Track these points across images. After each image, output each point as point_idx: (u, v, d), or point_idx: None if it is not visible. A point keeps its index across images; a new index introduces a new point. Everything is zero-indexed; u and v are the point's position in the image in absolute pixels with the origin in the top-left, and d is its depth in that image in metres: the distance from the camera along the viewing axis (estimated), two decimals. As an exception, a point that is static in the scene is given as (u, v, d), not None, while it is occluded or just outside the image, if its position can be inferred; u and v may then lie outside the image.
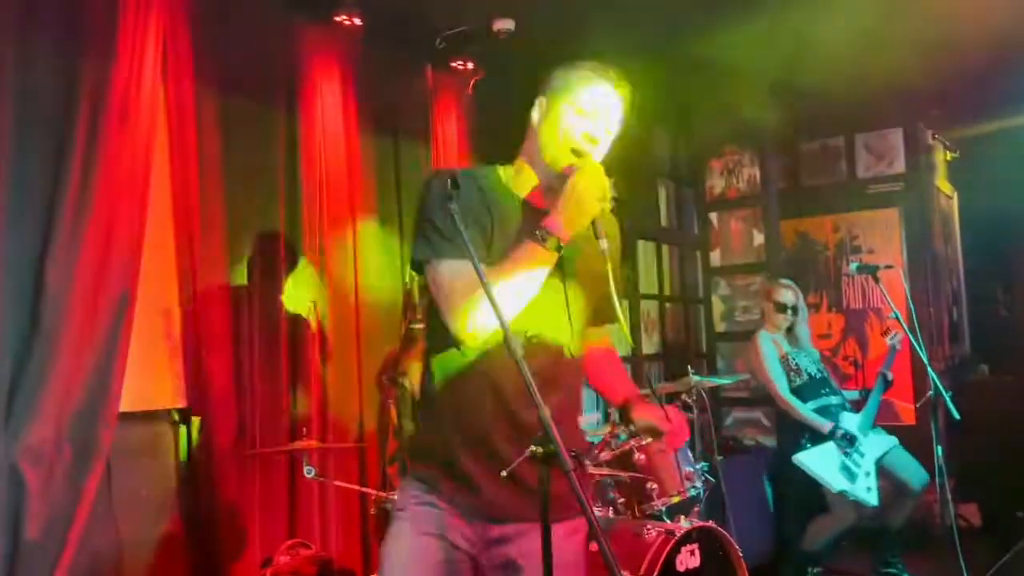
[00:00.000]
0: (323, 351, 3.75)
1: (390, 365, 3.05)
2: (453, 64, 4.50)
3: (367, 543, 3.84)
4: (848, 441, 4.23)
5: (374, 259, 4.07)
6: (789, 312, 4.53)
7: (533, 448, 1.55)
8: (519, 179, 1.87)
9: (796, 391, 4.41)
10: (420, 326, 3.41)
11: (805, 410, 4.33)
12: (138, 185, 3.03)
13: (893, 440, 4.46)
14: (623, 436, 3.47)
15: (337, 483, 3.39)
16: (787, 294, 4.56)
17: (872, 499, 4.18)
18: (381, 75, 4.20)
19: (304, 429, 3.30)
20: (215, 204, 3.37)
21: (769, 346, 4.50)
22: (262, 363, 3.49)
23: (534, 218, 1.75)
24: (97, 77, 2.93)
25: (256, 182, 3.57)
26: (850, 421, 4.31)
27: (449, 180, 1.68)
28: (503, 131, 4.73)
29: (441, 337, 1.76)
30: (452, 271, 1.69)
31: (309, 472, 3.06)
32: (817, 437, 4.27)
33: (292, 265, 3.67)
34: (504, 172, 1.90)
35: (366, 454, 3.88)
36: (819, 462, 4.19)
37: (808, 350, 4.59)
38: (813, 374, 4.44)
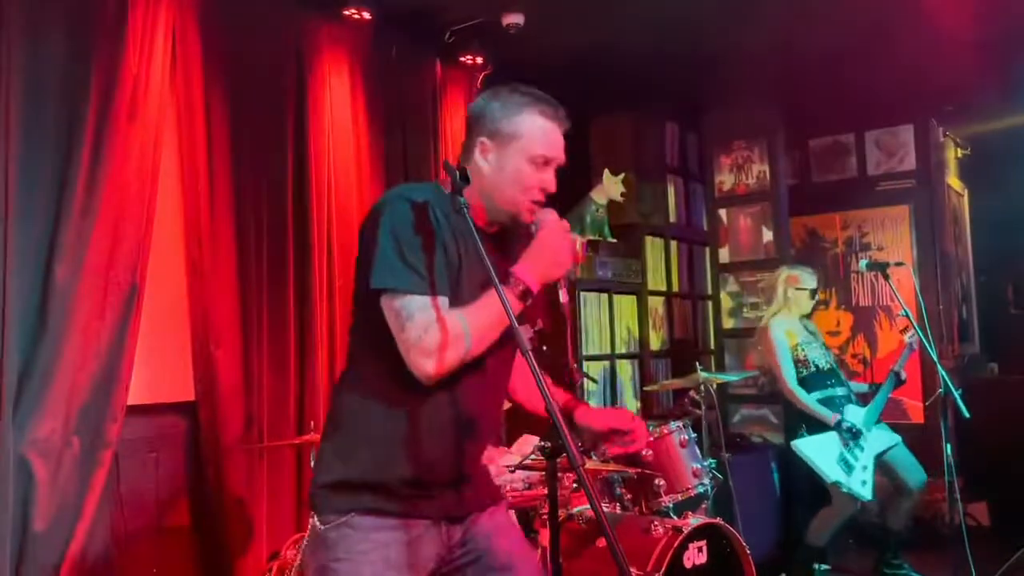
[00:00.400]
0: (330, 345, 3.75)
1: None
2: (462, 59, 4.50)
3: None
4: (852, 434, 4.22)
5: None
6: (816, 295, 4.53)
7: (541, 443, 1.54)
8: (472, 207, 1.76)
9: (802, 382, 4.38)
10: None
11: (810, 401, 4.30)
12: (147, 180, 3.04)
13: (896, 438, 4.44)
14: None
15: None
16: (812, 279, 4.56)
17: (866, 493, 4.16)
18: (389, 70, 4.19)
19: (312, 423, 3.30)
20: (224, 198, 3.37)
21: (782, 335, 4.47)
22: (270, 357, 3.50)
23: (488, 244, 1.72)
24: (106, 73, 2.95)
25: (265, 176, 3.57)
26: (855, 414, 4.29)
27: (419, 208, 1.67)
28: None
29: (385, 364, 1.67)
30: (422, 308, 1.62)
31: (316, 466, 3.05)
32: (816, 426, 4.26)
33: (301, 259, 3.66)
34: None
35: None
36: (817, 451, 4.18)
37: (819, 340, 4.55)
38: (821, 366, 4.41)
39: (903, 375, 4.43)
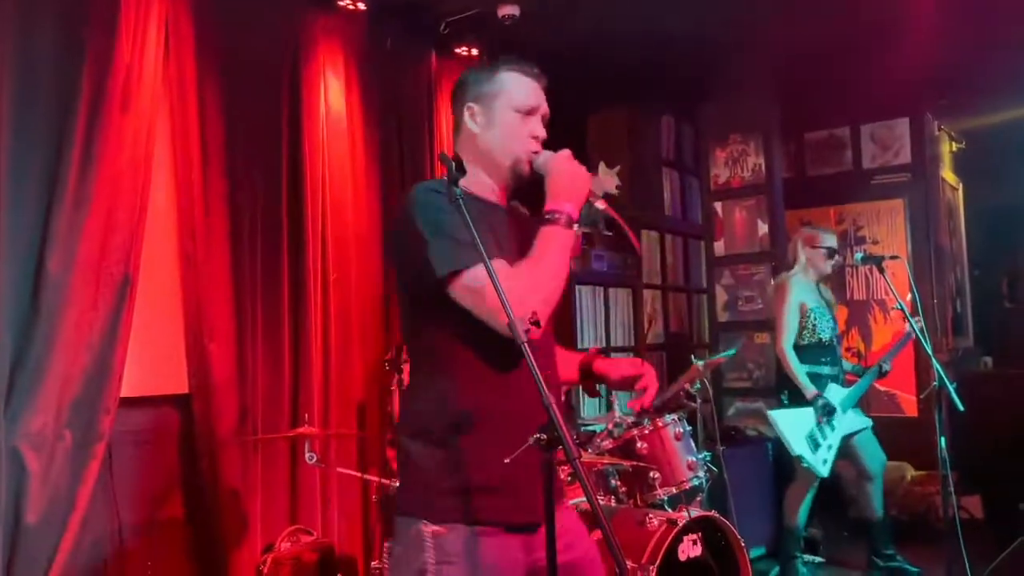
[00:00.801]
0: (325, 337, 3.74)
1: (394, 351, 3.04)
2: (457, 50, 4.48)
3: (368, 530, 3.84)
4: (827, 413, 4.24)
5: (376, 245, 4.06)
6: (837, 256, 4.49)
7: (538, 435, 1.53)
8: (478, 185, 1.85)
9: (801, 349, 4.37)
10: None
11: (798, 369, 4.29)
12: (139, 170, 3.02)
13: (867, 422, 4.44)
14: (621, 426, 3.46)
15: (339, 469, 3.38)
16: (830, 237, 4.52)
17: (824, 471, 4.20)
18: (385, 61, 4.17)
19: (306, 415, 3.29)
20: (218, 189, 3.35)
21: (796, 295, 4.41)
22: (264, 350, 3.49)
23: (509, 218, 1.85)
24: (98, 63, 2.92)
25: (259, 167, 3.55)
26: (836, 394, 4.30)
27: (447, 191, 1.68)
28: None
29: (464, 347, 1.69)
30: (497, 270, 1.63)
31: (310, 458, 3.05)
32: (797, 396, 4.27)
33: (295, 251, 3.65)
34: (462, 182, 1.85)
35: (368, 441, 3.87)
36: (790, 423, 4.20)
37: (831, 312, 4.50)
38: (824, 339, 4.39)
39: (886, 367, 4.43)
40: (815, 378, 4.31)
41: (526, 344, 1.53)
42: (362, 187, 4.01)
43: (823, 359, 4.38)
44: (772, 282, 4.53)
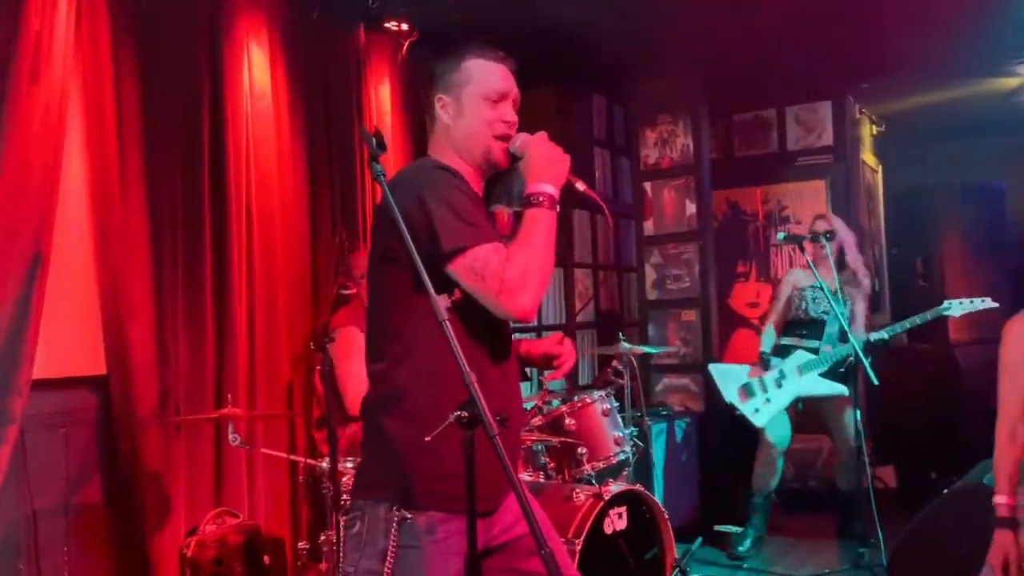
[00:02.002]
0: (250, 315, 3.67)
1: (320, 331, 3.00)
2: (387, 25, 4.42)
3: (296, 511, 3.81)
4: (764, 365, 4.45)
5: (303, 221, 3.99)
6: (823, 238, 4.51)
7: (459, 412, 1.53)
8: (460, 170, 1.84)
9: (788, 322, 4.65)
10: (352, 291, 3.36)
11: (765, 335, 4.64)
12: (51, 143, 2.90)
13: (839, 388, 4.47)
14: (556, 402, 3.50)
15: (264, 451, 3.34)
16: (819, 223, 4.66)
17: (757, 420, 4.43)
18: (311, 34, 4.08)
19: (229, 396, 3.22)
20: (135, 163, 3.24)
21: (791, 280, 4.73)
22: (186, 329, 3.40)
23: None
24: (5, 29, 2.78)
25: (179, 141, 3.44)
26: (798, 357, 4.50)
27: (452, 171, 1.76)
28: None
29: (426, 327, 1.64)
30: (496, 252, 1.68)
31: (234, 440, 3.00)
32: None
33: (218, 227, 3.56)
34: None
35: (295, 421, 3.83)
36: (724, 373, 4.55)
37: (821, 293, 4.50)
38: (812, 315, 4.59)
39: (872, 337, 4.45)
40: (785, 348, 4.51)
41: (446, 323, 1.53)
42: (288, 163, 3.93)
43: (800, 331, 4.61)
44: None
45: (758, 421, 4.42)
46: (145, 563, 3.17)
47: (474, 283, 1.67)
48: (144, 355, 3.21)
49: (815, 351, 4.52)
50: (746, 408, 4.38)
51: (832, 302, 4.28)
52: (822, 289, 4.50)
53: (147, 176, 3.29)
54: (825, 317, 4.57)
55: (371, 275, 1.85)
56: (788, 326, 4.63)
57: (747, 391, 4.44)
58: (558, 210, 1.78)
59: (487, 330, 1.77)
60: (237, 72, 3.68)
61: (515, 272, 1.66)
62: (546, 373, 2.25)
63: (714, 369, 4.63)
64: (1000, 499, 2.24)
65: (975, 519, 3.36)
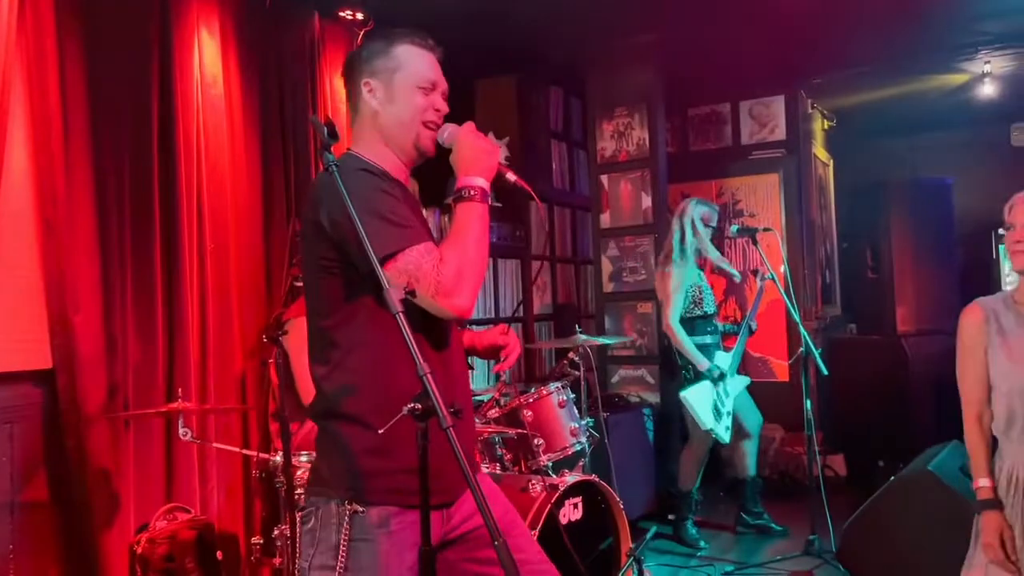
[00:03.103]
0: (203, 309, 3.60)
1: (273, 324, 2.96)
2: (341, 13, 4.36)
3: (250, 505, 3.76)
4: (717, 380, 4.44)
5: (256, 211, 3.93)
6: (712, 229, 4.62)
7: (412, 405, 1.52)
8: (387, 162, 1.82)
9: (689, 322, 4.52)
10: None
11: (688, 343, 4.46)
12: (-9, 130, 2.81)
13: (747, 380, 4.68)
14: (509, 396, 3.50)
15: (216, 445, 3.29)
16: (717, 216, 4.69)
17: (727, 437, 4.44)
18: (264, 21, 4.02)
19: (179, 390, 3.17)
20: (80, 151, 3.16)
21: (692, 270, 4.57)
22: (135, 321, 3.33)
23: (409, 196, 1.83)
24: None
25: (127, 129, 3.36)
26: (723, 360, 4.51)
27: (381, 174, 1.73)
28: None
29: (384, 329, 1.63)
30: (429, 254, 1.64)
31: (185, 434, 2.95)
32: (696, 372, 4.45)
33: (168, 219, 3.49)
34: (367, 157, 1.83)
35: (249, 415, 3.78)
36: (699, 399, 4.39)
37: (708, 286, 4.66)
38: (708, 312, 4.58)
39: (754, 325, 4.67)
40: (702, 348, 4.49)
41: (400, 315, 1.52)
42: (241, 153, 3.87)
43: (708, 329, 4.57)
44: (674, 256, 4.62)
45: (728, 437, 4.44)
46: (93, 561, 3.11)
47: (416, 282, 1.63)
48: (91, 348, 3.13)
49: (719, 346, 4.60)
50: (720, 430, 4.39)
51: (785, 295, 4.35)
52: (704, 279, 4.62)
53: (94, 166, 3.21)
54: (716, 309, 4.65)
55: (306, 283, 1.82)
56: (689, 324, 4.50)
57: (716, 412, 4.44)
58: (489, 203, 1.75)
59: (428, 322, 1.75)
60: (187, 59, 3.61)
61: (449, 271, 1.63)
62: (492, 364, 2.26)
63: (690, 397, 4.37)
64: (980, 482, 2.28)
65: (920, 505, 3.46)
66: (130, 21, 3.39)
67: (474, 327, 5.23)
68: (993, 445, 2.33)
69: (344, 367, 1.73)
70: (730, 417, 4.47)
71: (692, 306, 4.53)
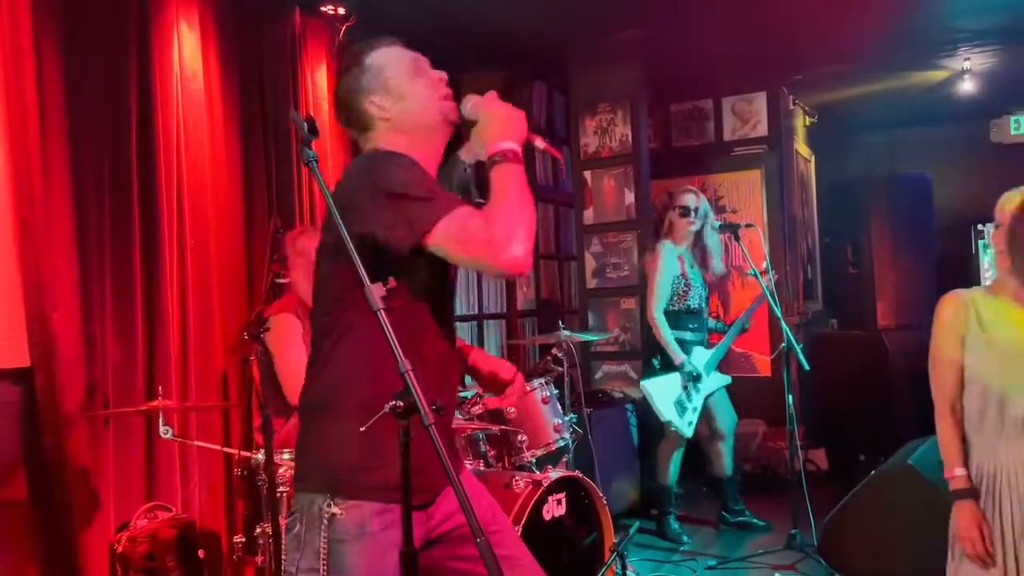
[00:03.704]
0: (183, 306, 3.58)
1: (254, 320, 2.94)
2: (323, 8, 4.34)
3: (232, 504, 3.74)
4: (693, 378, 4.44)
5: (237, 207, 3.90)
6: (692, 215, 4.56)
7: (394, 403, 1.52)
8: (418, 152, 1.80)
9: (672, 314, 4.51)
10: (286, 280, 3.30)
11: (668, 335, 4.46)
12: (-33, 126, 2.77)
13: (726, 379, 4.68)
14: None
15: (197, 443, 3.26)
16: (690, 197, 4.60)
17: (689, 432, 4.44)
18: (245, 16, 3.98)
19: (159, 388, 3.14)
20: (58, 150, 3.12)
21: (671, 260, 4.54)
22: (114, 319, 3.30)
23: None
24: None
25: (105, 126, 3.33)
26: (700, 357, 4.50)
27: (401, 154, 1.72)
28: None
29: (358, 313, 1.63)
30: (471, 215, 1.62)
31: (165, 432, 2.92)
32: (668, 364, 4.45)
33: (147, 217, 3.45)
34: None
35: (230, 413, 3.75)
36: (659, 391, 4.39)
37: (702, 278, 4.64)
38: (692, 307, 4.56)
39: (749, 324, 4.67)
40: (681, 343, 4.48)
41: (381, 312, 1.51)
42: (221, 149, 3.84)
43: (690, 325, 4.56)
44: (647, 250, 4.62)
45: (690, 432, 4.45)
46: (73, 560, 3.08)
47: (460, 250, 1.61)
48: (70, 346, 3.10)
49: (702, 343, 4.59)
50: (681, 424, 4.40)
51: (769, 294, 4.36)
52: (698, 273, 4.61)
53: (71, 163, 3.17)
54: (702, 304, 4.63)
55: (316, 271, 1.82)
56: (671, 317, 4.49)
57: (681, 406, 4.44)
58: (523, 165, 1.73)
59: (430, 319, 1.75)
60: (167, 55, 3.57)
61: (499, 228, 1.59)
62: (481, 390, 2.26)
63: (650, 387, 4.41)
64: (955, 472, 2.24)
65: (900, 499, 3.49)
66: (108, 17, 3.36)
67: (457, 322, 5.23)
68: None
69: (334, 358, 1.73)
70: (696, 413, 4.46)
71: (676, 299, 4.53)
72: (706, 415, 4.57)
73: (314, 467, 1.72)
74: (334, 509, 1.66)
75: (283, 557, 1.82)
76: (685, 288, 4.54)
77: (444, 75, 1.85)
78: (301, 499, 1.73)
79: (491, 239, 1.59)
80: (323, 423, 1.73)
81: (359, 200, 1.64)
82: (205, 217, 3.71)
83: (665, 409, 4.37)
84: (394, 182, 1.63)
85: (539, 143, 1.83)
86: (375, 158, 1.74)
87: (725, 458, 4.68)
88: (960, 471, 2.24)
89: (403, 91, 1.80)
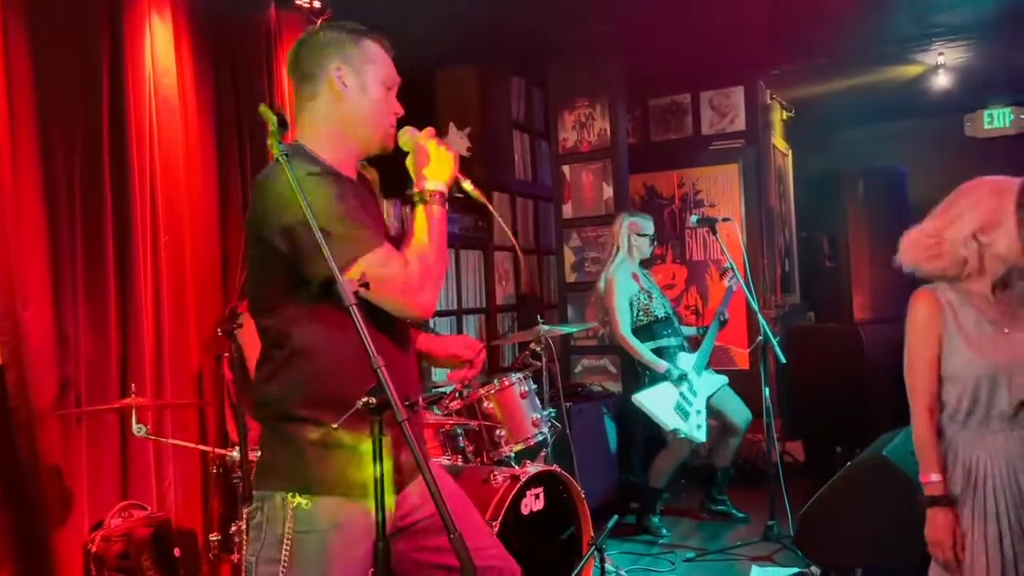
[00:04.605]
0: (157, 302, 3.54)
1: (227, 318, 2.91)
2: (298, 2, 4.29)
3: (207, 502, 3.71)
4: (683, 381, 4.45)
5: (213, 205, 3.86)
6: (651, 239, 4.73)
7: (366, 399, 1.51)
8: (339, 156, 1.81)
9: (640, 330, 4.54)
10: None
11: (643, 349, 4.49)
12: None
13: (723, 379, 4.73)
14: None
15: (171, 441, 3.24)
16: (649, 225, 4.74)
17: (702, 436, 4.43)
18: (219, 9, 3.94)
19: (132, 385, 3.11)
20: (27, 145, 3.07)
21: (627, 281, 4.58)
22: (87, 316, 3.26)
23: (360, 191, 1.83)
24: None
25: (76, 121, 3.28)
26: (686, 361, 4.53)
27: (332, 176, 1.71)
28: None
29: (330, 325, 1.66)
30: (391, 256, 1.66)
31: (139, 430, 2.89)
32: (656, 376, 4.46)
33: (120, 212, 3.41)
34: (316, 152, 1.79)
35: (206, 410, 3.72)
36: (656, 402, 4.38)
37: (657, 290, 4.72)
38: (658, 315, 4.59)
39: (726, 316, 4.70)
40: (662, 352, 4.51)
41: (354, 307, 1.51)
42: (195, 144, 3.79)
43: (665, 332, 4.59)
44: (604, 273, 4.68)
45: (703, 436, 4.44)
46: (47, 560, 3.05)
47: (373, 290, 1.60)
48: (41, 344, 3.07)
49: (682, 347, 4.62)
50: (691, 429, 4.40)
51: (745, 288, 4.39)
52: (652, 284, 4.70)
53: (42, 159, 3.13)
54: (670, 312, 4.67)
55: (249, 279, 1.80)
56: (644, 331, 4.53)
57: (683, 411, 4.45)
58: (447, 207, 1.78)
59: (387, 320, 1.74)
60: (139, 50, 3.53)
61: (413, 273, 1.66)
62: (447, 371, 2.25)
63: (644, 399, 4.37)
64: (931, 477, 2.18)
65: (874, 489, 3.52)
66: (78, 11, 3.31)
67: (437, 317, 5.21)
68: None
69: (290, 366, 1.71)
70: (701, 415, 4.47)
71: (640, 314, 4.57)
72: (716, 415, 4.61)
73: (278, 462, 1.73)
74: (300, 500, 1.67)
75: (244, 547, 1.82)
76: (647, 301, 4.59)
77: (400, 110, 1.86)
78: (263, 491, 1.73)
79: (407, 283, 1.65)
80: (287, 425, 1.73)
81: (283, 217, 1.62)
82: (179, 212, 3.67)
83: (667, 417, 4.36)
84: (325, 212, 1.60)
85: (467, 185, 1.87)
86: (308, 178, 1.64)
87: (729, 451, 4.73)
88: (936, 477, 2.18)
89: (369, 88, 1.80)
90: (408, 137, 1.83)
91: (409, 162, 1.83)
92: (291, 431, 1.71)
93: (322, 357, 1.70)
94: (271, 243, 1.66)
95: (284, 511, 1.68)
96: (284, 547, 1.66)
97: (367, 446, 1.52)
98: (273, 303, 1.73)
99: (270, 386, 1.74)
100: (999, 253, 2.18)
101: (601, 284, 4.68)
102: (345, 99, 1.78)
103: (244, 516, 2.73)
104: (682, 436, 4.37)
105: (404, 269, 1.65)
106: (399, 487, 1.78)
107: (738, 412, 4.70)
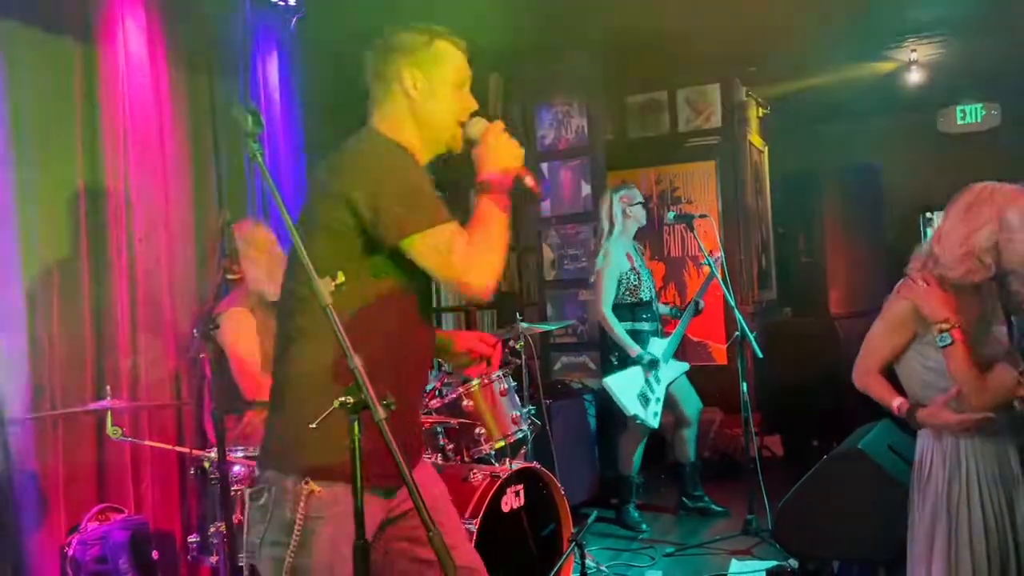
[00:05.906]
0: (133, 302, 3.50)
1: (203, 318, 2.88)
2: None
3: (185, 504, 3.68)
4: (652, 366, 4.48)
5: (188, 203, 3.83)
6: (644, 205, 4.74)
7: (343, 399, 1.50)
8: (411, 148, 1.86)
9: (619, 308, 4.54)
10: (236, 276, 3.25)
11: (620, 330, 4.50)
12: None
13: (685, 366, 4.75)
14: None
15: (148, 443, 3.21)
16: (637, 193, 4.75)
17: (655, 423, 4.49)
18: (194, 6, 3.90)
19: (108, 387, 3.07)
20: (-2, 142, 3.03)
21: (620, 257, 4.58)
22: (60, 318, 3.22)
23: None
24: None
25: (49, 116, 3.24)
26: (657, 347, 4.55)
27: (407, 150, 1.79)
28: (326, 71, 4.56)
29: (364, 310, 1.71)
30: (457, 232, 1.73)
31: (115, 432, 2.86)
32: (625, 359, 4.48)
33: (94, 211, 3.37)
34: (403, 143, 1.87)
35: (184, 411, 3.69)
36: (622, 386, 4.43)
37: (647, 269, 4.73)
38: (643, 299, 4.60)
39: (701, 304, 4.72)
40: (637, 335, 4.52)
41: (330, 308, 1.51)
42: (170, 141, 3.75)
43: (643, 316, 4.60)
44: (602, 249, 4.66)
45: (656, 423, 4.49)
46: (23, 565, 3.01)
47: (439, 263, 1.72)
48: (13, 346, 3.02)
49: (656, 333, 4.64)
50: (647, 416, 4.44)
51: (721, 280, 4.41)
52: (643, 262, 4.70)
53: (14, 152, 3.08)
54: (653, 296, 4.69)
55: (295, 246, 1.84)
56: (623, 310, 4.53)
57: (644, 398, 4.47)
58: (509, 198, 1.84)
59: (417, 310, 1.82)
60: (112, 46, 3.48)
61: (479, 252, 1.73)
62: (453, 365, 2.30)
63: (612, 384, 4.44)
64: (895, 402, 2.35)
65: (850, 482, 3.55)
66: (50, 10, 3.26)
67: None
68: (905, 432, 2.38)
69: (310, 344, 1.75)
70: (659, 403, 4.50)
71: (626, 293, 4.56)
72: (670, 403, 4.62)
73: (287, 447, 1.75)
74: (314, 486, 1.69)
75: (245, 527, 1.83)
76: (636, 282, 4.58)
77: (474, 105, 1.93)
78: (270, 473, 1.75)
79: (471, 263, 1.72)
80: (295, 404, 1.76)
81: (360, 181, 1.71)
82: (154, 211, 3.63)
83: (629, 403, 4.40)
84: (408, 176, 1.73)
85: (528, 180, 1.92)
86: (386, 147, 1.79)
87: (688, 445, 4.74)
88: (895, 401, 2.35)
89: (439, 93, 1.87)
90: (477, 129, 1.89)
91: (476, 152, 1.88)
92: (300, 412, 1.71)
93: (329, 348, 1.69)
94: (344, 207, 1.70)
95: (296, 496, 1.69)
96: (295, 531, 1.68)
97: (374, 435, 1.50)
98: (291, 294, 1.79)
99: (286, 362, 1.78)
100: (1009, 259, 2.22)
101: (599, 259, 4.65)
102: (415, 102, 1.86)
103: (231, 517, 2.71)
104: (639, 422, 4.41)
105: (470, 250, 1.72)
106: (399, 480, 1.78)
107: (690, 402, 4.73)
